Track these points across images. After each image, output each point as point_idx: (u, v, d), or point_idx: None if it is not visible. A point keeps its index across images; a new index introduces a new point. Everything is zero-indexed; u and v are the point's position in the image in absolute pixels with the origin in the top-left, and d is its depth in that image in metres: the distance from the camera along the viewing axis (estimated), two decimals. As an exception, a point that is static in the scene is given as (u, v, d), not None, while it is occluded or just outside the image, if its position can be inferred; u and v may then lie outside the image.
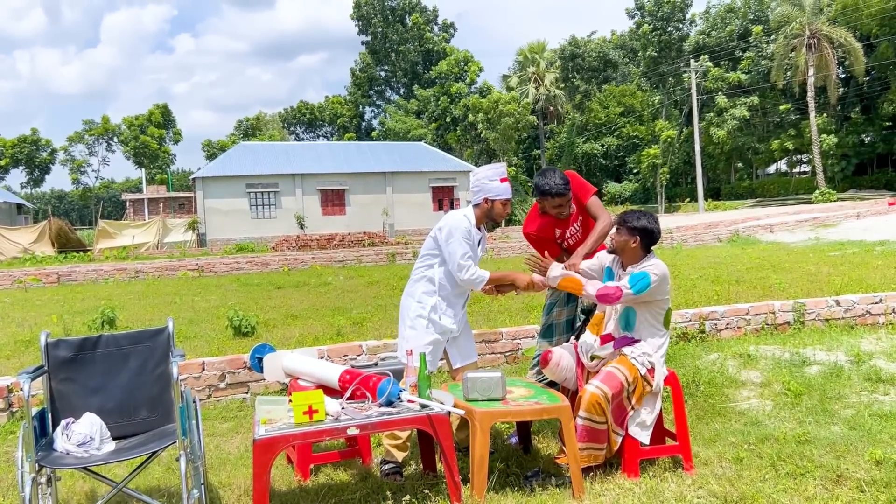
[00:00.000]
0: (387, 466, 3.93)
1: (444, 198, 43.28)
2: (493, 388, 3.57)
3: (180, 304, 12.75)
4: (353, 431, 3.25)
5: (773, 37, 47.15)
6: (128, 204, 43.61)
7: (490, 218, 4.10)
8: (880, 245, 17.41)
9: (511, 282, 4.13)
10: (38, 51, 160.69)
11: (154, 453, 3.33)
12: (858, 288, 9.21)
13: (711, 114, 51.38)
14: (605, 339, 3.82)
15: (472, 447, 3.43)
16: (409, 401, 3.40)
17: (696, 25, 55.25)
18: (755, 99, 49.86)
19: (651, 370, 3.72)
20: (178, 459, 3.24)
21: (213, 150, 60.53)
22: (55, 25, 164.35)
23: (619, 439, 3.66)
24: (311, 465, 4.06)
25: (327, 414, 3.36)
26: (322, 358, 5.73)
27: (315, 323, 9.29)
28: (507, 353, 6.24)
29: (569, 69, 58.50)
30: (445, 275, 4.04)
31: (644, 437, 3.67)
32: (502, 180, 4.07)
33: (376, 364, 4.58)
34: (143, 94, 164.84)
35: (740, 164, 58.84)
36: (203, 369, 5.50)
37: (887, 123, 45.71)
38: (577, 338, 4.06)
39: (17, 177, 62.20)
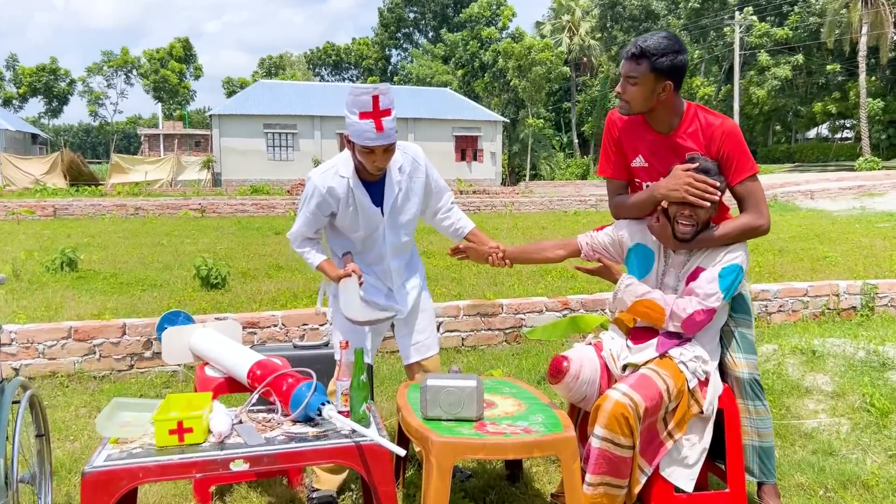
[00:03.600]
0: (316, 496, 2.83)
1: (467, 148, 41.76)
2: (463, 402, 2.43)
3: (166, 245, 11.74)
4: (238, 467, 2.12)
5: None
6: (143, 139, 42.55)
7: (360, 165, 2.75)
8: (935, 218, 15.98)
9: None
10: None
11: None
12: (929, 267, 7.91)
13: (752, 72, 48.78)
14: (641, 335, 2.63)
15: (424, 491, 2.30)
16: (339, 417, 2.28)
17: (742, -24, 52.25)
18: (800, 58, 47.18)
19: (704, 383, 2.55)
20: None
21: (233, 88, 59.00)
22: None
23: (644, 479, 2.51)
24: (213, 487, 2.97)
25: (209, 433, 2.25)
26: (274, 328, 4.62)
27: (300, 277, 8.20)
28: (506, 331, 5.09)
29: (607, 18, 55.87)
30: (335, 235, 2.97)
31: (686, 482, 2.51)
32: (362, 115, 2.58)
33: (305, 347, 3.49)
34: (174, 32, 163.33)
35: (779, 127, 56.31)
36: (124, 333, 4.42)
37: (940, 89, 43.10)
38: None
39: (36, 106, 61.23)
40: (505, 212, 20.06)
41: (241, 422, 2.38)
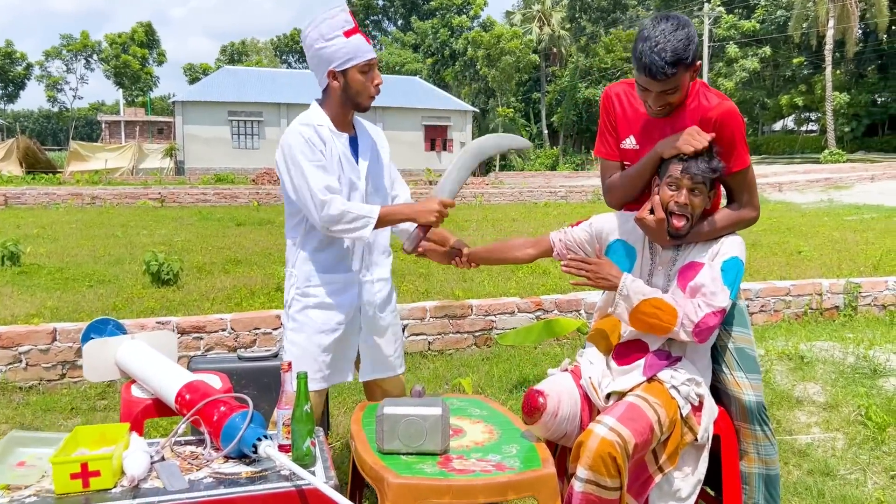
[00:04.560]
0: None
1: (436, 138, 41.31)
2: (426, 433, 2.09)
3: (120, 237, 11.21)
4: (152, 519, 1.76)
5: (791, -15, 44.66)
6: (103, 126, 41.33)
7: (352, 101, 2.37)
8: (901, 211, 16.06)
9: (419, 221, 2.39)
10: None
11: None
12: (904, 263, 7.77)
13: (721, 64, 49.04)
14: (626, 353, 2.30)
15: (380, 541, 1.96)
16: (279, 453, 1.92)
17: (711, -31, 52.39)
18: (767, 50, 47.53)
19: (698, 408, 2.24)
20: None
21: (195, 75, 57.59)
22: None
23: (632, 515, 2.19)
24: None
25: (122, 475, 1.88)
26: (222, 332, 4.23)
27: (258, 273, 7.78)
28: (476, 334, 4.76)
29: (576, 9, 55.71)
30: (306, 227, 2.44)
31: (677, 518, 2.21)
32: (348, 33, 2.31)
33: (252, 359, 3.12)
34: (138, 17, 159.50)
35: (746, 119, 56.66)
36: (54, 339, 3.99)
37: (903, 83, 43.70)
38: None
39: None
40: (475, 203, 19.74)
41: (163, 458, 2.01)
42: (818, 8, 41.06)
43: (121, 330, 3.02)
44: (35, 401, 3.81)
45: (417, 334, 4.61)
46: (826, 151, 38.94)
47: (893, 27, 42.31)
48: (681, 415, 2.20)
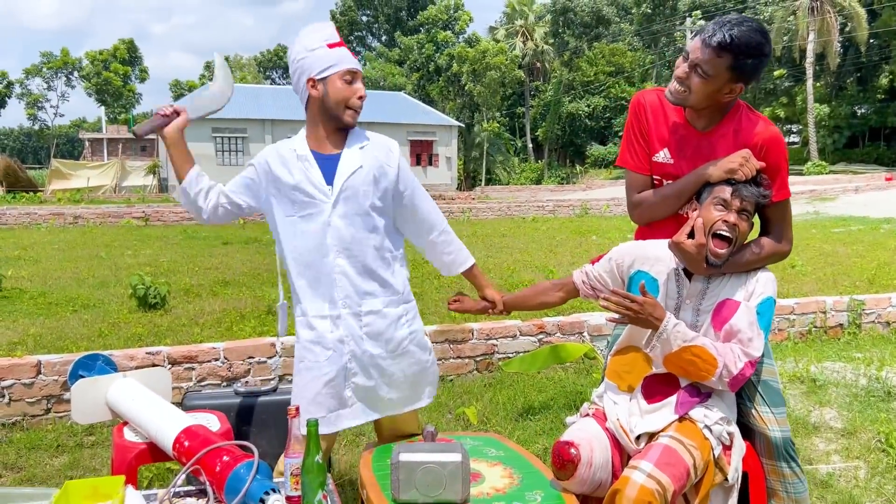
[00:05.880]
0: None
1: (422, 153, 41.25)
2: (445, 481, 1.94)
3: (104, 258, 10.98)
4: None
5: (771, -2, 45.23)
6: (86, 143, 40.92)
7: (331, 113, 2.26)
8: (886, 223, 16.16)
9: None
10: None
11: None
12: (900, 277, 7.74)
13: (702, 78, 49.48)
14: (655, 389, 2.17)
15: None
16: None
17: (691, -17, 52.94)
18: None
19: (728, 447, 2.12)
20: None
21: (181, 91, 57.24)
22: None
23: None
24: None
25: (116, 537, 1.73)
26: (215, 362, 4.06)
27: (248, 294, 7.60)
28: (477, 359, 4.61)
29: (559, 24, 56.06)
30: (289, 249, 2.34)
31: (710, 564, 2.08)
32: (332, 45, 2.26)
33: (252, 393, 2.97)
34: (119, 34, 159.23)
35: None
36: (38, 372, 3.80)
37: (882, 96, 44.19)
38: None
39: (-31, 110, 58.45)
40: (463, 218, 19.64)
41: (159, 515, 1.86)
42: (798, 22, 41.59)
43: (111, 366, 2.86)
44: (19, 438, 3.62)
45: (417, 360, 4.46)
46: (809, 163, 39.30)
47: (872, 40, 42.88)
48: (713, 455, 2.08)
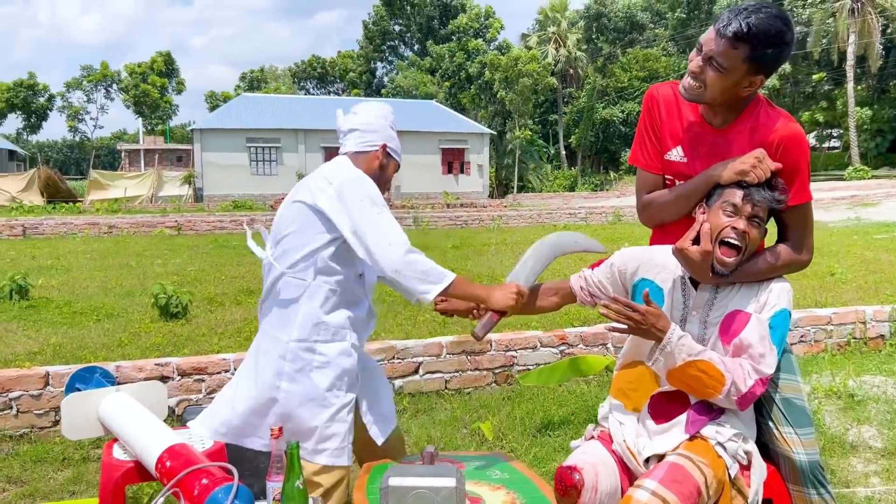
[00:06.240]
0: None
1: (454, 161, 41.18)
2: (439, 508, 1.80)
3: (134, 267, 11.06)
4: None
5: (808, 0, 44.29)
6: (123, 154, 41.72)
7: (378, 180, 2.30)
8: (933, 229, 15.58)
9: (479, 300, 2.22)
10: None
11: None
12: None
13: (739, 82, 48.63)
14: (663, 408, 2.00)
15: None
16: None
17: (727, -14, 52.18)
18: (786, 67, 47.11)
19: (746, 467, 1.94)
20: None
21: (216, 102, 58.07)
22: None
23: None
24: None
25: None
26: (224, 374, 3.97)
27: (270, 302, 7.53)
28: (496, 371, 4.46)
29: (593, 30, 55.67)
30: (341, 264, 2.21)
31: None
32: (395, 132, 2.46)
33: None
34: (158, 47, 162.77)
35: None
36: (47, 383, 3.75)
37: (927, 98, 43.02)
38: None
39: (15, 123, 60.24)
40: (493, 226, 19.48)
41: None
42: (838, 24, 40.65)
43: (109, 379, 2.79)
44: (25, 451, 3.57)
45: (433, 372, 4.32)
46: (850, 168, 38.31)
47: (915, 41, 41.78)
48: (729, 476, 1.90)
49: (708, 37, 1.91)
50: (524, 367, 4.44)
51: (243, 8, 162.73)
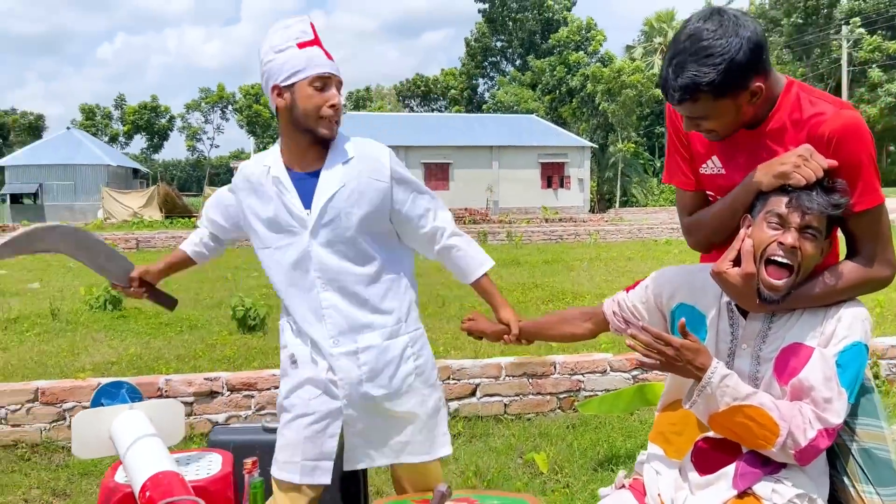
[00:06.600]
0: None
1: (553, 175, 40.61)
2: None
3: (230, 279, 11.40)
4: None
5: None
6: (234, 172, 43.62)
7: (303, 126, 1.90)
8: None
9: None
10: (185, 28, 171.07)
11: None
12: None
13: (863, 89, 45.57)
14: (708, 457, 1.67)
15: None
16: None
17: (849, -12, 49.18)
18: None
19: (813, 533, 1.58)
20: None
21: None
22: (201, 4, 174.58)
23: None
24: None
25: None
26: (274, 390, 3.87)
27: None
28: (560, 396, 4.14)
29: (700, 39, 53.82)
30: (274, 283, 2.09)
31: None
32: (303, 45, 1.89)
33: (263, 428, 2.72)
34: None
35: (893, 147, 52.39)
36: (35, 399, 3.75)
37: None
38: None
39: (140, 143, 65.36)
40: (589, 241, 18.94)
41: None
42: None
43: (136, 395, 2.71)
44: (75, 463, 3.58)
45: (491, 395, 4.07)
46: None
47: None
48: (790, 544, 1.56)
49: (670, 110, 1.71)
50: (591, 393, 4.11)
51: (352, 31, 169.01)
